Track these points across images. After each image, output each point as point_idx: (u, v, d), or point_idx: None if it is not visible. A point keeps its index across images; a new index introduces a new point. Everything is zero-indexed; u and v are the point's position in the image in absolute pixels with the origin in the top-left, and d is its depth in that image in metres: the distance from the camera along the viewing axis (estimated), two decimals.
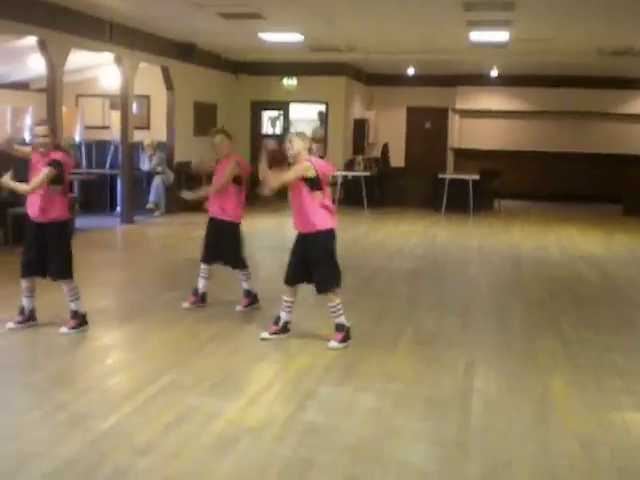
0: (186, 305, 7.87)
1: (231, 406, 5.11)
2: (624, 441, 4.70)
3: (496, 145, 21.52)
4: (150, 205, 15.32)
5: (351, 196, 18.21)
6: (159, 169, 15.48)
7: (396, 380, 5.74)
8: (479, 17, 11.88)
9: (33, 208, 6.67)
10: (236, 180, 7.62)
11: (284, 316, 6.77)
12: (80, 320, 6.83)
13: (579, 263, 11.29)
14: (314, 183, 6.46)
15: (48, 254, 6.69)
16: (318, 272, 6.57)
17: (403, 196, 18.51)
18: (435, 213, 17.21)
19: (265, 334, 6.75)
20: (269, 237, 13.17)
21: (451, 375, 5.91)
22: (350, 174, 18.43)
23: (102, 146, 16.17)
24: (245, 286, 7.85)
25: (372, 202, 17.82)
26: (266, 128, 20.48)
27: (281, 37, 14.73)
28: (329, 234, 6.62)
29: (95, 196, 15.40)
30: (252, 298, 7.86)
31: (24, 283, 6.82)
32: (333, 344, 6.51)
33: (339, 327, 6.59)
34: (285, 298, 6.75)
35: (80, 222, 12.94)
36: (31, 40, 11.37)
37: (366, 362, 6.18)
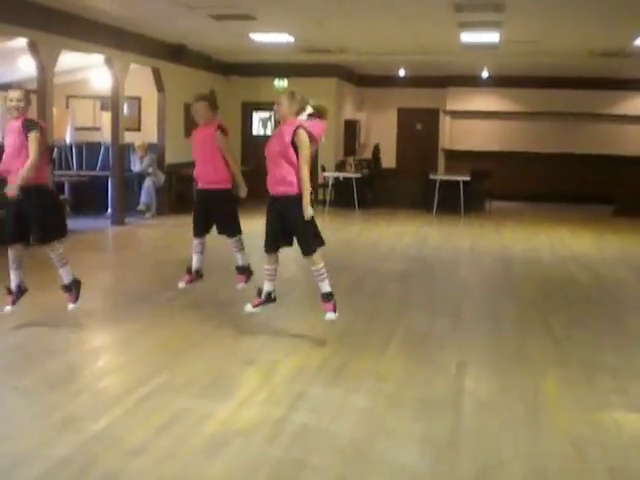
0: (182, 285, 7.85)
1: (222, 408, 5.09)
2: (615, 441, 4.71)
3: (487, 146, 21.54)
4: (141, 207, 15.31)
5: (342, 197, 18.22)
6: (150, 170, 15.46)
7: (388, 381, 5.74)
8: (469, 18, 11.90)
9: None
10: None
11: (267, 286, 6.75)
12: (77, 287, 6.90)
13: (570, 264, 11.31)
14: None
15: (28, 220, 6.63)
16: (302, 236, 6.51)
17: (394, 197, 18.53)
18: (426, 214, 17.23)
19: (249, 307, 6.75)
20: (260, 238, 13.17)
21: (443, 375, 5.92)
22: (341, 175, 18.44)
23: (93, 148, 16.15)
24: (240, 262, 7.84)
25: (363, 203, 17.83)
26: (257, 129, 20.47)
27: (272, 38, 14.73)
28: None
29: (86, 198, 15.35)
30: (249, 273, 7.89)
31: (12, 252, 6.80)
32: (331, 315, 6.52)
33: (328, 296, 6.56)
34: (267, 267, 6.74)
35: (71, 224, 12.77)
36: (21, 42, 11.35)
37: (357, 363, 6.17)
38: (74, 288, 6.91)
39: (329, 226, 14.54)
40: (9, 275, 6.91)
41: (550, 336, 7.15)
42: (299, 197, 6.45)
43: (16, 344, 6.60)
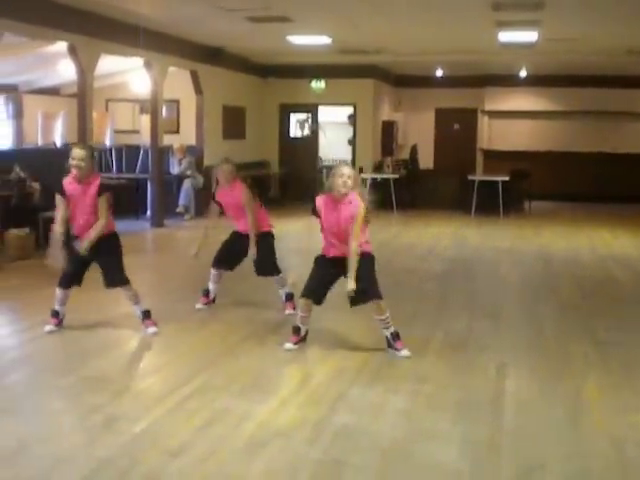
0: (199, 306, 7.89)
1: (262, 408, 5.11)
2: None
3: (526, 146, 21.38)
4: (180, 209, 15.39)
5: (380, 198, 18.16)
6: (188, 173, 15.56)
7: (427, 382, 5.72)
8: (508, 17, 11.82)
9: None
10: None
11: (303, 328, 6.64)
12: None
13: (611, 263, 11.19)
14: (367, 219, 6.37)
15: (101, 266, 6.86)
16: (365, 282, 6.33)
17: (432, 198, 18.44)
18: (465, 215, 17.12)
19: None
20: (296, 239, 13.19)
21: (483, 377, 5.88)
22: (379, 176, 18.42)
23: (132, 150, 16.26)
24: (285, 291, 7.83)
25: (401, 204, 17.78)
26: (294, 131, 20.51)
27: (309, 40, 14.76)
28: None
29: (125, 200, 15.44)
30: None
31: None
32: (406, 352, 6.33)
33: (399, 334, 6.44)
34: (303, 314, 6.59)
35: None
36: (61, 46, 11.48)
37: (397, 364, 6.16)
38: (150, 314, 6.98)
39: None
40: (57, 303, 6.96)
41: (591, 337, 7.07)
42: (367, 253, 6.38)
43: (56, 345, 6.68)
